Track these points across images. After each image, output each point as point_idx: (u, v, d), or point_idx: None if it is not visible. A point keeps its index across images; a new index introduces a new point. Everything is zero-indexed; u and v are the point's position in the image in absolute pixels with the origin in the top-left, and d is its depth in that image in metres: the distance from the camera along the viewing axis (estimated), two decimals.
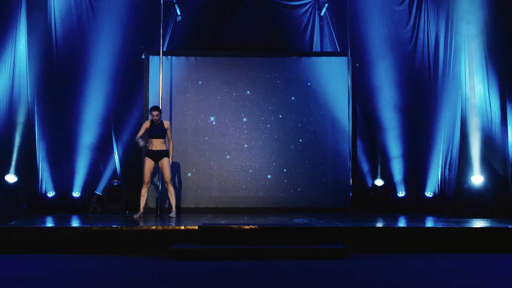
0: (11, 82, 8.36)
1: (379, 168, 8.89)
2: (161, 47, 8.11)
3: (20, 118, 8.37)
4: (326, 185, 8.79)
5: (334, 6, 9.14)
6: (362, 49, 9.01)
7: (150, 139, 7.37)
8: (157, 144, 7.32)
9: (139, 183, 8.61)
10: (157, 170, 7.89)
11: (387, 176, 8.88)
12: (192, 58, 8.94)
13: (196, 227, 5.61)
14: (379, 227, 6.00)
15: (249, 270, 4.62)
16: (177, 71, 8.84)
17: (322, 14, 9.31)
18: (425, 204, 8.76)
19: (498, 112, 8.52)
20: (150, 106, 8.59)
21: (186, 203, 8.66)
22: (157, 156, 7.33)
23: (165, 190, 8.43)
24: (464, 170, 8.52)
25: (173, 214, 7.44)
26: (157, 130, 7.34)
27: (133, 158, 8.88)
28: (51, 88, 8.74)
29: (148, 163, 7.35)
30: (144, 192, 7.40)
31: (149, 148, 7.38)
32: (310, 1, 9.45)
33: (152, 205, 8.38)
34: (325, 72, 8.89)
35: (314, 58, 9.01)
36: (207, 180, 8.77)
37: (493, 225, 6.08)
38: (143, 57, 8.80)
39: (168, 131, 7.43)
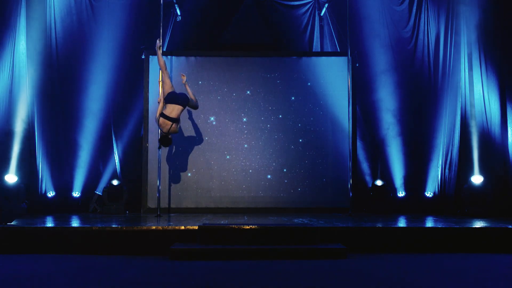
0: (10, 82, 8.36)
1: (379, 168, 8.88)
2: (161, 47, 8.09)
3: (20, 118, 8.37)
4: (326, 185, 8.78)
5: (334, 6, 9.13)
6: (362, 49, 9.01)
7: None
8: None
9: (139, 183, 8.64)
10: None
11: (387, 176, 8.87)
12: (192, 58, 8.94)
13: (196, 227, 5.61)
14: (379, 227, 5.99)
15: (249, 270, 4.62)
16: (177, 71, 8.83)
17: (322, 14, 9.30)
18: (425, 204, 8.75)
19: (497, 112, 8.54)
20: (150, 106, 8.62)
21: (186, 203, 8.65)
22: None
23: (165, 190, 8.46)
24: (464, 170, 8.53)
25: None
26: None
27: (133, 158, 8.87)
28: (51, 88, 8.72)
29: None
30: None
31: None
32: (310, 1, 9.44)
33: (152, 205, 8.39)
34: (325, 72, 8.89)
35: (314, 58, 9.01)
36: (207, 180, 8.76)
37: (493, 225, 6.08)
38: (143, 57, 8.81)
39: None
